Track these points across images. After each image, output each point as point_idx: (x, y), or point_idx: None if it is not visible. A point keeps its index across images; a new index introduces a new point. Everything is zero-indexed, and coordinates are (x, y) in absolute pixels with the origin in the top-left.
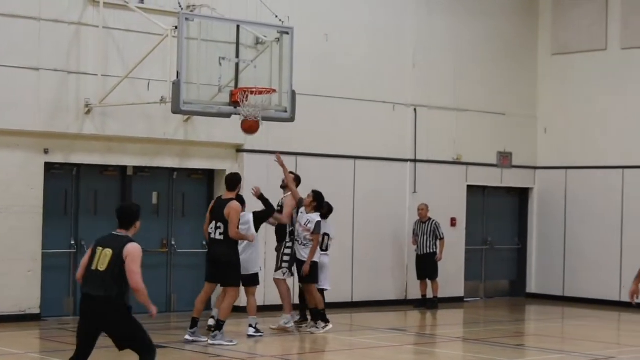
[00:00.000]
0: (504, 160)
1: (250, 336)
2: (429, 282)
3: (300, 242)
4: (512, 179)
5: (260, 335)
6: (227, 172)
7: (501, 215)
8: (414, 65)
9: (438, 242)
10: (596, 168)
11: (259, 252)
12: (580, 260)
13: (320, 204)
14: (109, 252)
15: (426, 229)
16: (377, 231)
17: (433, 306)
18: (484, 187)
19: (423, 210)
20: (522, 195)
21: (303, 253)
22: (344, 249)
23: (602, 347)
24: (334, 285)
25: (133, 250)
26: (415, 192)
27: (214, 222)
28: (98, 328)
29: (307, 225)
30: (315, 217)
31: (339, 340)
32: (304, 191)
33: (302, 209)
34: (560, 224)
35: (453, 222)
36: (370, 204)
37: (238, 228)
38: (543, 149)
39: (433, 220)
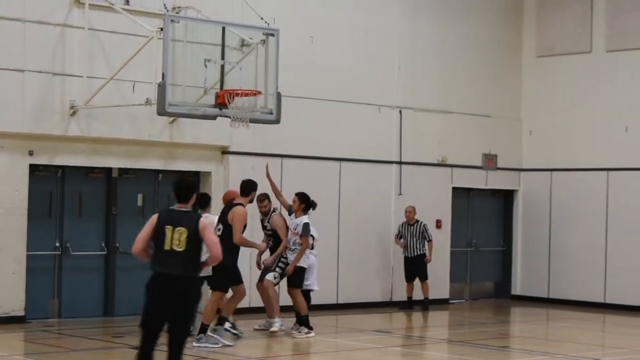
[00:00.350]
0: (489, 162)
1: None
2: (415, 284)
3: (289, 247)
4: (497, 181)
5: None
6: (213, 174)
7: (486, 217)
8: (400, 67)
9: (427, 244)
10: (581, 170)
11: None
12: (565, 262)
13: (308, 205)
14: (183, 230)
15: (414, 231)
16: (363, 233)
17: (424, 307)
18: (469, 189)
19: (410, 212)
20: (507, 197)
21: (292, 257)
22: (330, 250)
23: (586, 349)
24: (319, 286)
25: (207, 223)
26: (400, 193)
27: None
28: (174, 309)
29: (296, 230)
30: (304, 219)
31: (324, 342)
32: (289, 194)
33: (292, 215)
34: (545, 226)
35: (438, 224)
36: (356, 205)
37: (242, 233)
38: (528, 151)
39: (421, 222)
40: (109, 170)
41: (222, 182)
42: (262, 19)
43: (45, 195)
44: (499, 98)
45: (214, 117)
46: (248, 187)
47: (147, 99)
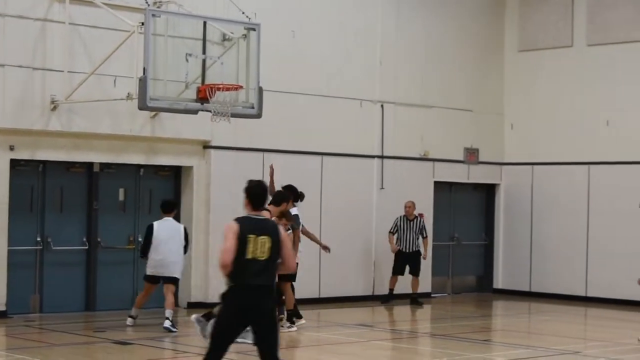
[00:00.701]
0: (471, 156)
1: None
2: (401, 278)
3: None
4: (478, 175)
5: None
6: (195, 169)
7: (468, 211)
8: (381, 62)
9: (422, 240)
10: (562, 164)
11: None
12: (547, 256)
13: (297, 197)
14: (266, 239)
15: (413, 226)
16: (344, 227)
17: (418, 303)
18: (451, 183)
19: (410, 207)
20: (488, 191)
21: None
22: (311, 245)
23: (568, 342)
24: (302, 281)
25: (285, 234)
26: (382, 188)
27: None
28: (255, 321)
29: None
30: (293, 210)
31: (307, 336)
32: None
33: None
34: (527, 220)
35: (420, 217)
36: (338, 200)
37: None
38: (510, 145)
39: (421, 218)
40: (90, 165)
41: (204, 177)
42: (243, 13)
43: (26, 190)
44: (480, 92)
45: (195, 112)
46: (280, 198)
47: (128, 93)
